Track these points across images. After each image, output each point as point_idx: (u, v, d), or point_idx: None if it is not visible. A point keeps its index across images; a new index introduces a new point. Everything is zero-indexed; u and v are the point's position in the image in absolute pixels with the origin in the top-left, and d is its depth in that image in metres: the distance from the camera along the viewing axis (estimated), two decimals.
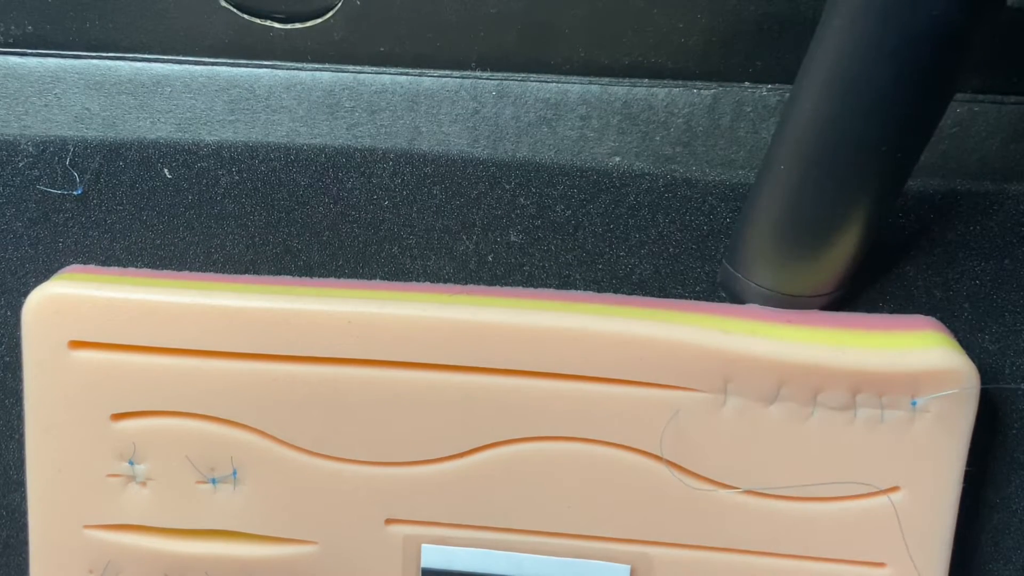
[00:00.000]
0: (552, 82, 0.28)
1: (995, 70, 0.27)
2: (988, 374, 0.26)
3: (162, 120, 0.29)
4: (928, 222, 0.27)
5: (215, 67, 0.28)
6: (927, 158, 0.27)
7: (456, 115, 0.28)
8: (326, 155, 0.27)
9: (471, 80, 0.28)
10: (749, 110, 0.27)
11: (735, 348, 0.24)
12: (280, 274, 0.28)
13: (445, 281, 0.28)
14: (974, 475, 0.25)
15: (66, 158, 0.28)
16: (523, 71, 0.28)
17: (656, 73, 0.28)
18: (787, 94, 0.27)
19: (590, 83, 0.28)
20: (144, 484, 0.27)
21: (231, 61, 0.28)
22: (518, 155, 0.28)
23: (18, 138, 0.28)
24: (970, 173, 0.27)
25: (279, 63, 0.28)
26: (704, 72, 0.27)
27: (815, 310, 0.26)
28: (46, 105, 0.29)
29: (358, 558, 0.27)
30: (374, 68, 0.28)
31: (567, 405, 0.25)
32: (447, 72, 0.28)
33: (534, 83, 0.28)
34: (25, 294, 0.26)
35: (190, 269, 0.28)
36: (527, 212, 0.27)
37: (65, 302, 0.26)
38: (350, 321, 0.25)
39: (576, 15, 0.27)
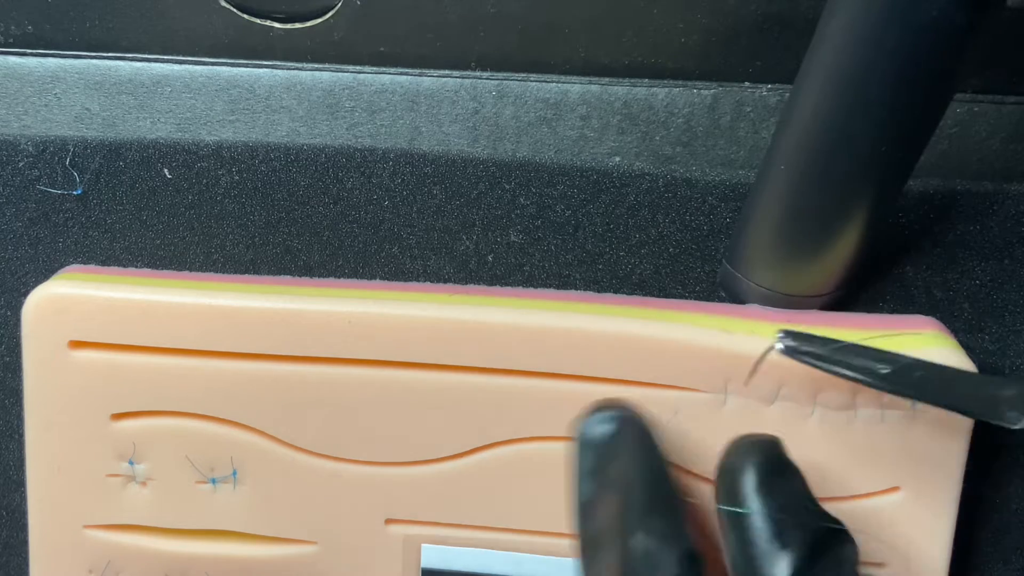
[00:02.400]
0: (552, 82, 0.28)
1: (995, 70, 0.27)
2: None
3: (162, 120, 0.29)
4: (928, 222, 0.26)
5: (215, 67, 0.28)
6: (927, 158, 0.27)
7: (456, 115, 0.28)
8: (326, 155, 0.27)
9: (471, 80, 0.28)
10: (749, 110, 0.27)
11: (735, 348, 0.24)
12: (280, 274, 0.28)
13: (445, 281, 0.28)
14: (974, 475, 0.25)
15: (66, 158, 0.28)
16: (523, 71, 0.28)
17: (656, 73, 0.28)
18: (787, 94, 0.27)
19: (590, 83, 0.28)
20: (144, 484, 0.27)
21: (231, 61, 0.28)
22: (518, 155, 0.28)
23: (18, 138, 0.28)
24: (970, 173, 0.27)
25: (279, 63, 0.28)
26: (704, 72, 0.27)
27: (815, 310, 0.26)
28: (46, 105, 0.29)
29: (358, 558, 0.27)
30: (374, 68, 0.28)
31: (567, 405, 0.25)
32: (447, 72, 0.28)
33: (534, 83, 0.28)
34: (25, 294, 0.26)
35: (190, 269, 0.28)
36: (527, 212, 0.27)
37: (65, 302, 0.26)
38: (350, 321, 0.25)
39: (576, 15, 0.27)
